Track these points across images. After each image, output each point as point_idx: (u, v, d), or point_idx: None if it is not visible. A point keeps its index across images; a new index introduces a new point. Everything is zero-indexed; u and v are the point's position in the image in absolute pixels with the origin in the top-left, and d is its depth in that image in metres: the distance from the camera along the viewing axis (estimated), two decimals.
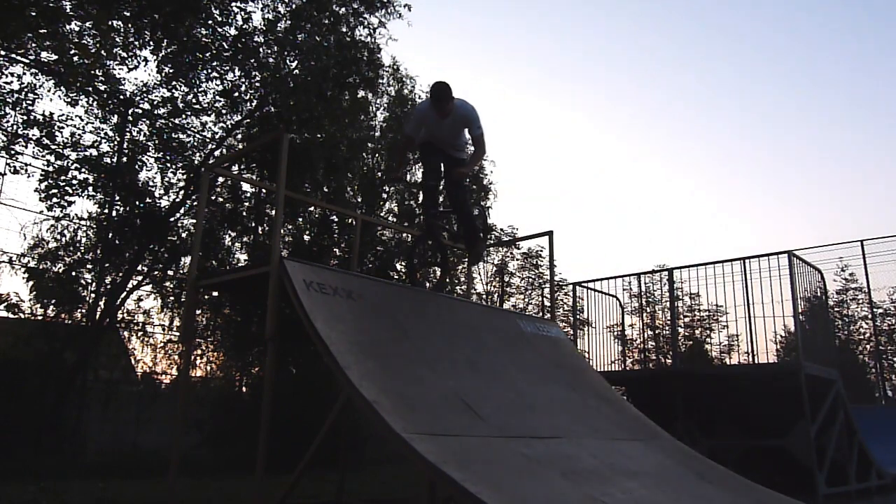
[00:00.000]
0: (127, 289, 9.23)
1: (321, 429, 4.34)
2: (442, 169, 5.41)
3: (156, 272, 9.72)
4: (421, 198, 5.85)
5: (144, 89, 9.30)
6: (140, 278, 9.50)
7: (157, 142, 9.49)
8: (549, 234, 7.09)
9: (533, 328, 6.08)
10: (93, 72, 8.73)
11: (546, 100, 39.83)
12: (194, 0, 8.78)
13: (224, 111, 9.86)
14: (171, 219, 9.49)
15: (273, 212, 9.79)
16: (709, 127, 37.52)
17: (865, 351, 13.55)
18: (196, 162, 9.66)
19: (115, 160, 9.10)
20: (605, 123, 40.89)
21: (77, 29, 8.26)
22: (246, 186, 10.46)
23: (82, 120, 8.83)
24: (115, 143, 9.14)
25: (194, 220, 9.09)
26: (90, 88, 8.88)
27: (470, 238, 5.54)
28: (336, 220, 11.12)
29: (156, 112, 9.47)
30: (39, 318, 8.49)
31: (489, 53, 40.37)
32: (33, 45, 8.09)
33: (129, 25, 8.83)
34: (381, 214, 12.63)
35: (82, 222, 8.87)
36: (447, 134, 5.17)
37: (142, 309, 9.66)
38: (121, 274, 9.16)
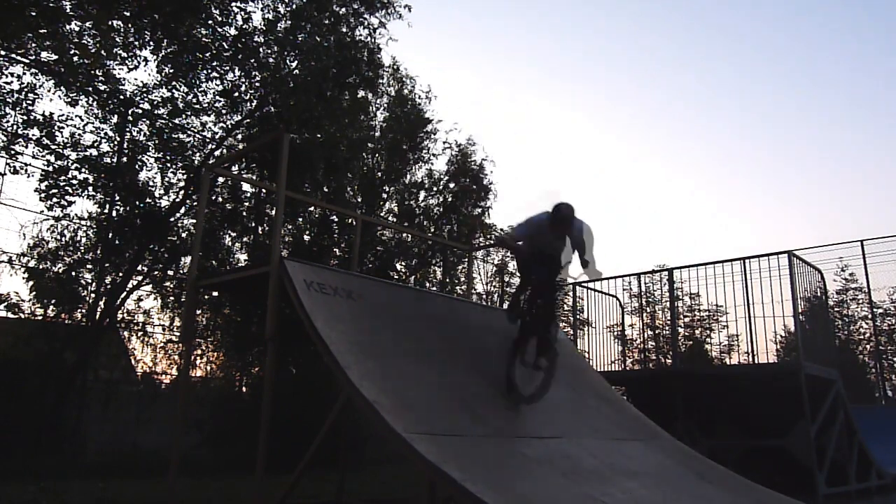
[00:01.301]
0: (127, 289, 9.23)
1: (321, 429, 4.34)
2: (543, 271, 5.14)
3: (156, 272, 9.72)
4: (523, 298, 5.47)
5: (144, 89, 9.30)
6: (140, 278, 9.51)
7: (157, 142, 9.49)
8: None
9: None
10: (93, 72, 8.73)
11: (546, 100, 39.84)
12: (194, 0, 8.78)
13: (224, 111, 9.86)
14: (171, 219, 9.49)
15: (273, 212, 9.79)
16: (709, 127, 37.55)
17: (865, 351, 13.54)
18: (196, 162, 9.66)
19: (115, 160, 9.10)
20: (605, 123, 40.92)
21: (77, 29, 8.26)
22: (246, 186, 10.46)
23: (82, 120, 8.84)
24: (115, 143, 9.14)
25: (194, 220, 9.10)
26: (90, 88, 8.88)
27: (550, 344, 5.04)
28: (336, 220, 11.12)
29: (156, 112, 9.47)
30: (39, 318, 8.50)
31: (489, 54, 40.39)
32: (33, 45, 8.09)
33: (129, 25, 8.82)
34: (381, 214, 12.64)
35: (82, 222, 8.88)
36: (554, 247, 4.99)
37: (142, 309, 9.68)
38: (121, 274, 9.16)
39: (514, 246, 5.32)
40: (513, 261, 16.35)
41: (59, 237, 8.66)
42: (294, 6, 10.08)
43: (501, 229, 15.31)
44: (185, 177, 9.63)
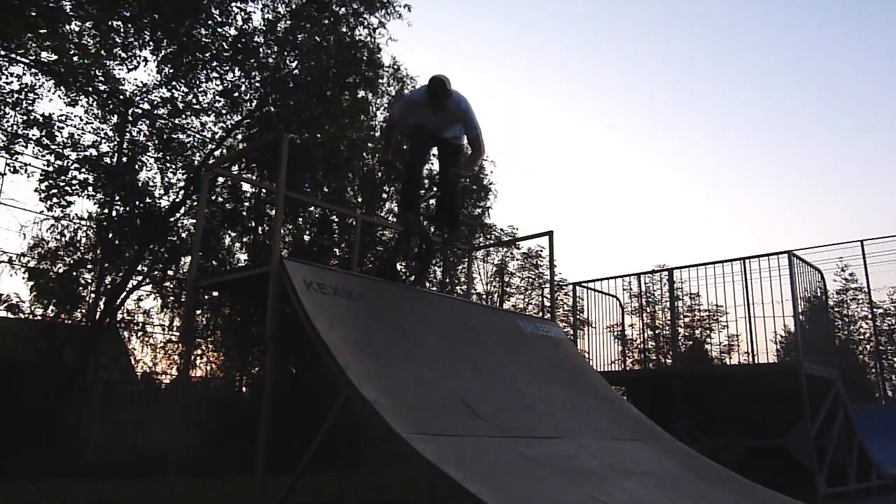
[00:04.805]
0: (127, 289, 9.24)
1: (321, 429, 4.33)
2: (432, 152, 5.20)
3: (156, 272, 9.72)
4: (402, 187, 5.47)
5: (144, 89, 9.31)
6: (140, 278, 9.52)
7: (157, 142, 9.50)
8: (549, 234, 7.07)
9: (533, 328, 6.07)
10: (93, 72, 8.73)
11: (547, 100, 39.83)
12: (194, 0, 8.78)
13: (224, 111, 9.87)
14: (171, 219, 9.50)
15: (273, 212, 9.80)
16: (709, 127, 37.53)
17: (865, 351, 13.53)
18: (196, 162, 9.67)
19: (115, 160, 9.10)
20: (605, 123, 40.89)
21: (77, 29, 8.27)
22: (246, 186, 10.47)
23: (82, 120, 8.85)
24: (115, 143, 9.15)
25: (194, 220, 9.10)
26: (90, 88, 8.88)
27: (453, 223, 5.39)
28: (336, 220, 11.12)
29: (156, 112, 9.47)
30: (39, 318, 8.50)
31: (489, 53, 40.37)
32: (33, 45, 8.09)
33: (129, 25, 8.83)
34: (381, 214, 12.64)
35: (82, 222, 8.89)
36: (439, 126, 4.96)
37: (142, 309, 9.70)
38: (121, 274, 9.17)
39: (390, 127, 5.24)
40: (513, 260, 16.35)
41: (59, 237, 8.68)
42: (294, 6, 10.09)
43: (501, 229, 15.30)
44: (185, 177, 9.64)
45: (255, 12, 9.73)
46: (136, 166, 9.31)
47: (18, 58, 8.18)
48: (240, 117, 9.94)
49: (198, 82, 9.51)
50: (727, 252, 30.17)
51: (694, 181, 37.97)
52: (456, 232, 5.45)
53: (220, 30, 9.38)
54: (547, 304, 13.71)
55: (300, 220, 11.02)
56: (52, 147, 8.50)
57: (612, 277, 9.68)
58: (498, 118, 34.88)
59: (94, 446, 8.52)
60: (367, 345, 4.08)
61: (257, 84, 9.81)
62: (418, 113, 4.88)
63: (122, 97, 9.20)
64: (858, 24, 33.61)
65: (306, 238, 11.05)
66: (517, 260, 16.30)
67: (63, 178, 8.55)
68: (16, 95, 8.20)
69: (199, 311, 9.58)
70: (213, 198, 9.92)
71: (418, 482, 5.24)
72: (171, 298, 9.76)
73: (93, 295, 8.89)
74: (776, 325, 7.86)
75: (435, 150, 5.28)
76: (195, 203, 9.22)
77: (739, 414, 7.56)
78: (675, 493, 3.95)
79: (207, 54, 9.37)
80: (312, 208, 10.87)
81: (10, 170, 8.23)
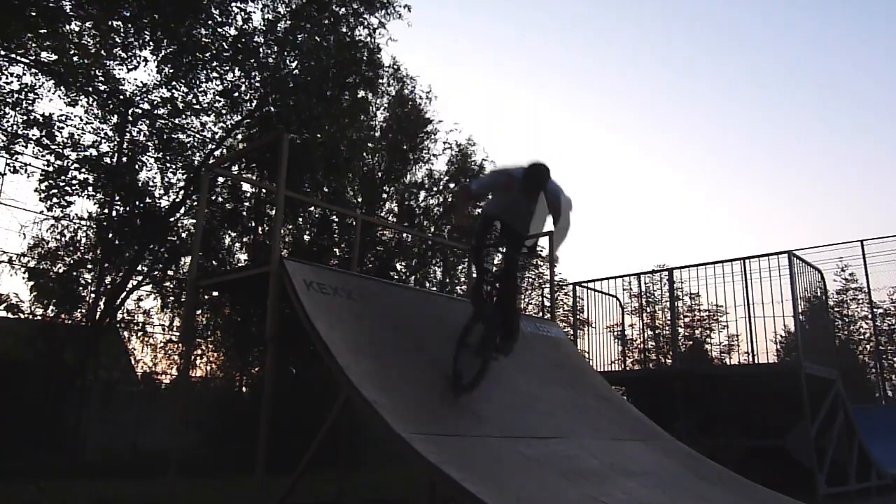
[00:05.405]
0: (127, 289, 9.24)
1: (321, 429, 4.34)
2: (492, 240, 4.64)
3: (156, 272, 9.73)
4: (475, 281, 4.63)
5: (144, 89, 9.30)
6: (140, 278, 9.52)
7: (157, 142, 9.49)
8: (549, 234, 7.07)
9: (533, 328, 6.08)
10: (93, 72, 8.73)
11: (547, 100, 39.84)
12: (194, 0, 8.78)
13: (224, 111, 9.86)
14: (171, 219, 9.49)
15: (273, 212, 9.80)
16: (709, 127, 37.52)
17: (865, 351, 13.53)
18: (196, 162, 9.66)
19: (115, 160, 9.10)
20: (605, 123, 40.89)
21: (77, 29, 8.27)
22: (246, 186, 10.47)
23: (82, 120, 8.85)
24: (115, 143, 9.14)
25: (194, 220, 9.10)
26: (90, 88, 8.88)
27: (509, 332, 4.50)
28: (336, 220, 11.12)
29: (156, 112, 9.47)
30: (39, 318, 8.50)
31: (489, 53, 40.36)
32: (33, 45, 8.09)
33: (129, 25, 8.83)
34: (381, 214, 12.65)
35: (82, 222, 8.89)
36: (524, 211, 4.41)
37: (142, 309, 9.70)
38: (121, 274, 9.17)
39: (469, 199, 4.68)
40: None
41: (59, 237, 8.68)
42: (294, 6, 10.09)
43: None
44: (185, 177, 9.64)
45: (255, 12, 9.74)
46: (136, 166, 9.31)
47: (18, 58, 8.17)
48: (240, 117, 9.94)
49: (198, 82, 9.51)
50: (727, 252, 30.16)
51: (694, 181, 37.96)
52: (512, 342, 4.50)
53: (220, 30, 9.38)
54: (547, 304, 13.71)
55: (300, 220, 11.02)
56: (52, 147, 8.50)
57: (612, 277, 9.70)
58: (498, 118, 34.90)
59: (94, 446, 8.52)
60: (367, 345, 4.09)
61: (257, 84, 9.80)
62: (508, 193, 4.34)
63: (122, 97, 9.20)
64: (858, 24, 33.59)
65: (306, 238, 11.05)
66: None
67: (63, 178, 8.55)
68: (16, 95, 8.20)
69: (199, 311, 9.58)
70: (213, 198, 9.92)
71: (418, 482, 5.24)
72: (171, 298, 9.76)
73: (93, 295, 8.89)
74: (776, 325, 7.89)
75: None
76: (195, 203, 9.21)
77: (739, 414, 7.57)
78: (675, 493, 3.96)
79: (207, 54, 9.37)
80: (312, 208, 10.87)
81: (10, 170, 8.24)
